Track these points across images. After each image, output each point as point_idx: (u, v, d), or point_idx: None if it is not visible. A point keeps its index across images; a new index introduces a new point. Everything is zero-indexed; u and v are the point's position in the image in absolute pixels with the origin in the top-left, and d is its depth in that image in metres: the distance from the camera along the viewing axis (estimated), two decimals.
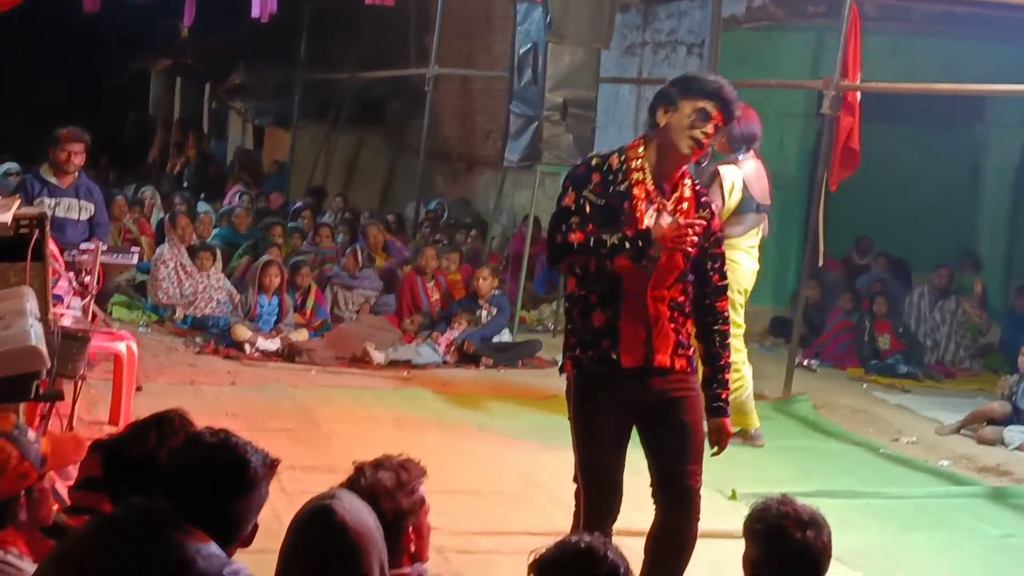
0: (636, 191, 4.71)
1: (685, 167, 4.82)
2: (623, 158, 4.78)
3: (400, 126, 19.86)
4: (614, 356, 4.71)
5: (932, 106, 12.63)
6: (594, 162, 4.81)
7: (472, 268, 12.37)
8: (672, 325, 4.74)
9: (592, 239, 4.62)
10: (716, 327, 4.89)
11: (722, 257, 4.91)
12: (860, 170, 10.50)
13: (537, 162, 11.58)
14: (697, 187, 4.88)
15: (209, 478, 3.24)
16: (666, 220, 4.60)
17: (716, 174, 8.48)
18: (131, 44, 24.42)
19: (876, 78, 10.68)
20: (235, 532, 3.28)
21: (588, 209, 4.69)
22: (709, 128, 4.69)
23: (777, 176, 13.51)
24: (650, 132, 4.81)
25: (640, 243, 4.58)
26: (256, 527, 3.34)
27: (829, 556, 3.66)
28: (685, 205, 4.77)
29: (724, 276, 4.91)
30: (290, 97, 19.86)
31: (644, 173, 4.74)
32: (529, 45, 11.64)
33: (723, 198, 8.42)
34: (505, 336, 11.49)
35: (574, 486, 4.93)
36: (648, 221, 4.64)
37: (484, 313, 11.44)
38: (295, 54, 19.46)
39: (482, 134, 18.18)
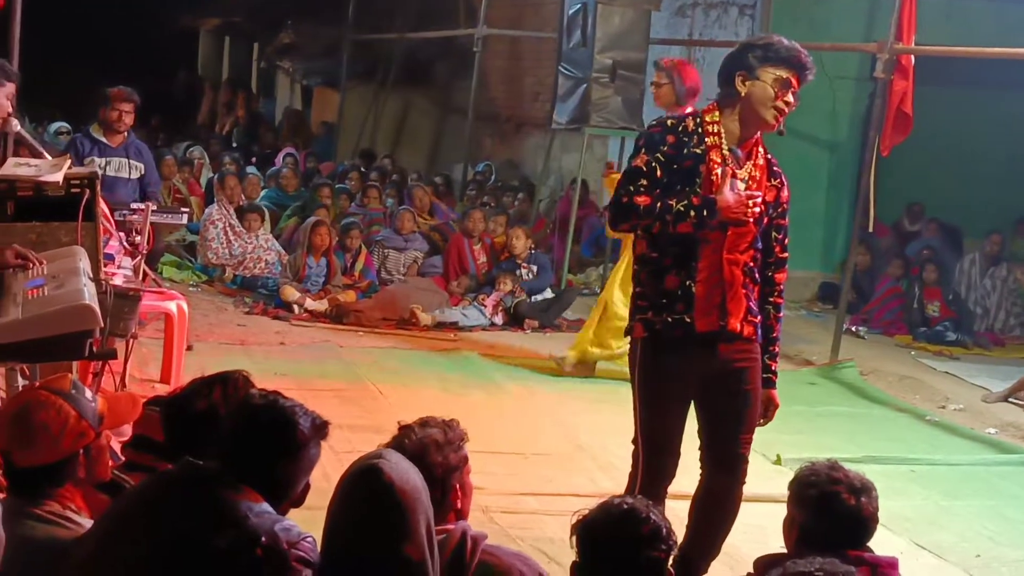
0: (712, 154, 4.67)
1: (759, 134, 4.79)
2: (698, 121, 4.73)
3: (448, 87, 19.84)
4: (688, 320, 4.67)
5: (986, 70, 12.48)
6: (669, 123, 4.76)
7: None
8: (744, 291, 4.73)
9: (658, 203, 4.59)
10: (771, 298, 4.89)
11: (786, 228, 4.90)
12: (912, 134, 10.41)
13: (585, 124, 11.54)
14: (769, 155, 4.84)
15: (258, 439, 3.28)
16: (731, 192, 4.58)
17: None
18: (180, 3, 24.49)
19: (930, 41, 10.56)
20: (286, 492, 3.32)
21: (659, 172, 4.64)
22: (790, 97, 4.67)
23: (829, 140, 13.48)
24: (726, 99, 4.76)
25: (705, 212, 4.56)
26: (308, 487, 3.38)
27: (877, 522, 3.66)
28: (757, 173, 4.75)
29: (786, 248, 4.90)
30: (338, 57, 19.88)
31: (719, 138, 4.70)
32: (578, 6, 11.59)
33: None
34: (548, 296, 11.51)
35: (618, 448, 4.95)
36: (724, 187, 4.62)
37: (524, 271, 11.47)
38: (343, 14, 19.44)
39: (530, 96, 18.13)
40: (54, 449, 3.41)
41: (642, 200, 4.61)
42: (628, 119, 11.57)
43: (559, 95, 11.90)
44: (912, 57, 10.13)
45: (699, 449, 4.88)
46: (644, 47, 11.70)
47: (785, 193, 4.86)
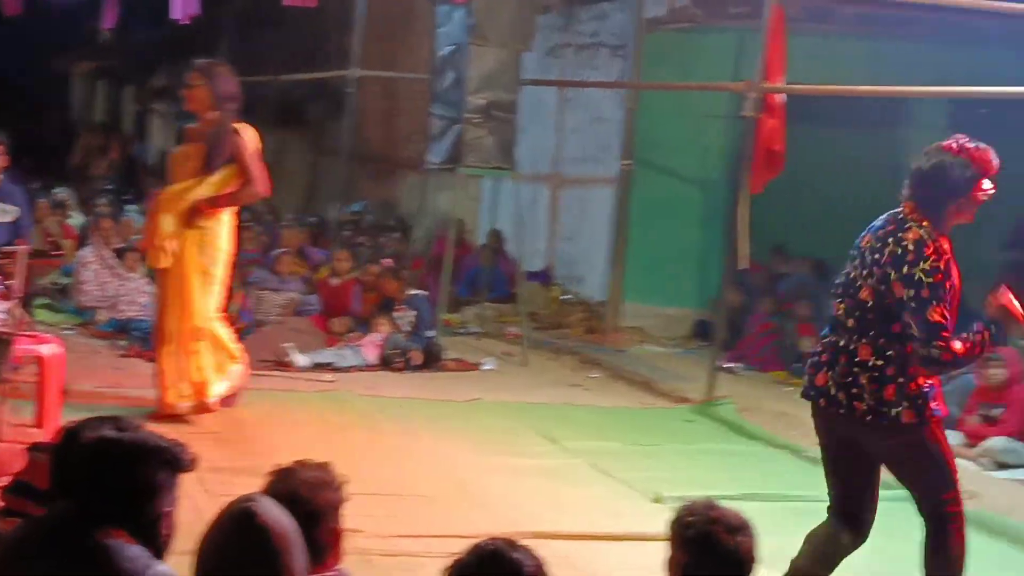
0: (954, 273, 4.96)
1: None
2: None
3: (322, 128, 19.78)
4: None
5: (857, 108, 12.75)
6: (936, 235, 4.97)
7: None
8: None
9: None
10: None
11: None
12: (784, 172, 10.57)
13: (459, 164, 11.57)
14: None
15: (108, 475, 3.19)
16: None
17: (236, 131, 8.48)
18: (53, 47, 24.17)
19: (799, 79, 10.75)
20: (151, 530, 3.21)
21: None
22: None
23: (700, 178, 13.67)
24: (939, 221, 4.98)
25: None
26: (166, 515, 3.27)
27: (755, 559, 3.69)
28: None
29: None
30: None
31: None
32: (451, 47, 11.63)
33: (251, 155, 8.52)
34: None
35: (498, 488, 4.94)
36: None
37: (398, 315, 11.35)
38: (216, 56, 19.29)
39: (404, 136, 18.15)
40: None
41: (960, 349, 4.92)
42: (501, 159, 11.63)
43: (433, 135, 11.92)
44: (783, 96, 10.30)
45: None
46: (516, 88, 11.78)
47: None
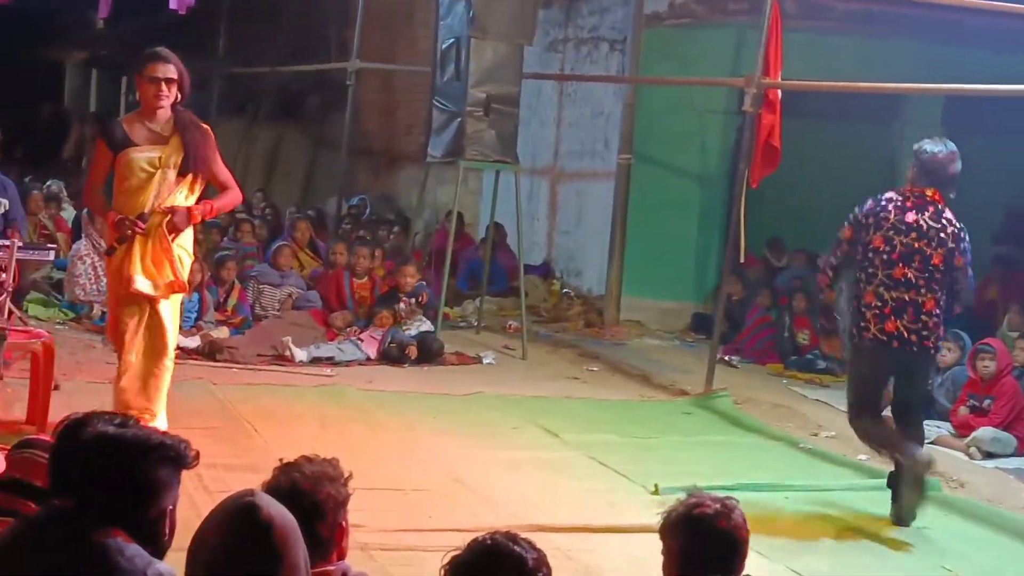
0: None
1: None
2: None
3: (321, 121, 19.75)
4: None
5: (851, 104, 12.76)
6: None
7: (394, 264, 12.31)
8: None
9: None
10: None
11: None
12: (780, 167, 10.59)
13: (460, 157, 11.56)
14: None
15: (106, 474, 3.14)
16: None
17: (207, 129, 7.30)
18: (46, 36, 24.08)
19: (796, 75, 10.77)
20: (152, 529, 3.19)
21: None
22: None
23: (699, 173, 13.68)
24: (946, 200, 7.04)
25: None
26: (168, 513, 3.26)
27: (747, 534, 3.74)
28: None
29: None
30: (208, 91, 19.69)
31: None
32: (452, 40, 11.62)
33: None
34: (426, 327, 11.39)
35: (497, 481, 4.93)
36: None
37: (403, 307, 11.34)
38: (214, 47, 19.28)
39: (404, 129, 18.14)
40: None
41: None
42: (502, 152, 11.63)
43: (434, 128, 11.91)
44: (779, 91, 10.32)
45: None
46: (517, 81, 11.78)
47: None
